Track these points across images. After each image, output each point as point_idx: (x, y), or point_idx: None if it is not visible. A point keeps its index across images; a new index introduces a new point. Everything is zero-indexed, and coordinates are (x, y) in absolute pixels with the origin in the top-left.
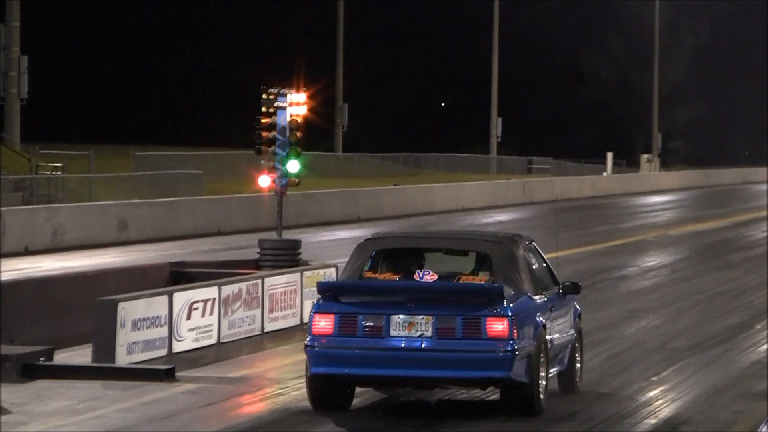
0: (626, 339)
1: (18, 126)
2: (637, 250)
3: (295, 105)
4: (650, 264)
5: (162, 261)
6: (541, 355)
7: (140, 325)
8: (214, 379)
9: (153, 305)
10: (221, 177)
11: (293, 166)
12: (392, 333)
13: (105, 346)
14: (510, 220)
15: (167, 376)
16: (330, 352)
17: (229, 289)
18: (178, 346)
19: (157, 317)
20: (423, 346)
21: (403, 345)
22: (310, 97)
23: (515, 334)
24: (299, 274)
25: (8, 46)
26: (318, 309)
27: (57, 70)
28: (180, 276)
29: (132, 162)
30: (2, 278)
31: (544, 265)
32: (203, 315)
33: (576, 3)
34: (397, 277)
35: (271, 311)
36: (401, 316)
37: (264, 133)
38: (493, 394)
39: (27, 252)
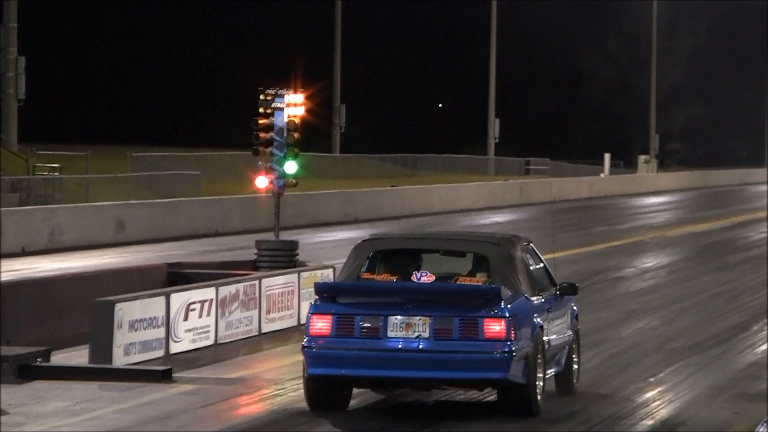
0: (624, 340)
1: (15, 127)
2: (634, 251)
3: (293, 106)
4: (648, 265)
5: (159, 262)
6: (539, 356)
7: (137, 326)
8: (211, 380)
9: (150, 306)
10: (219, 178)
11: (291, 167)
12: (389, 334)
13: (102, 347)
14: (507, 221)
15: (164, 377)
16: (327, 353)
17: (226, 290)
18: (175, 347)
19: (155, 318)
20: (420, 347)
21: (400, 346)
22: (307, 98)
23: (512, 335)
24: (296, 275)
25: (5, 46)
26: (315, 310)
27: (54, 71)
28: (177, 277)
29: (129, 163)
30: (0, 279)
31: (542, 266)
32: (200, 316)
33: (574, 4)
34: (394, 278)
35: (268, 312)
36: (399, 317)
37: (261, 134)
38: (490, 395)
39: (24, 253)
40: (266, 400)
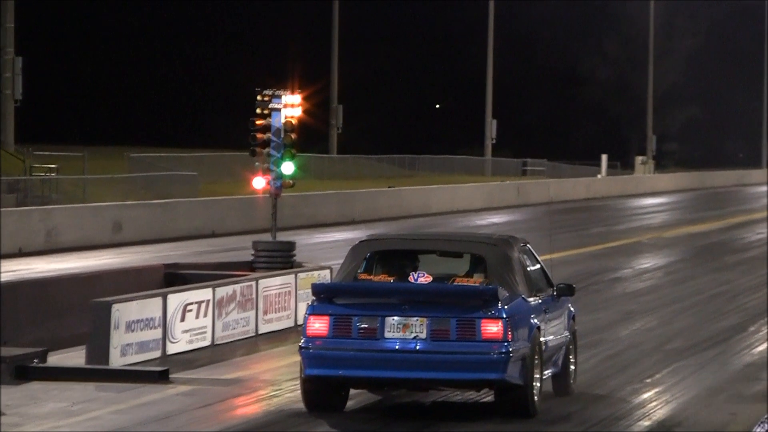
0: (621, 341)
1: (12, 127)
2: (632, 252)
3: (290, 107)
4: (645, 266)
5: (156, 263)
6: (536, 357)
7: (134, 326)
8: (208, 381)
9: (147, 307)
10: (216, 178)
11: (288, 167)
12: (387, 335)
13: (99, 348)
14: (505, 222)
15: (161, 377)
16: (324, 353)
17: (223, 291)
18: (172, 348)
19: (152, 319)
20: (417, 347)
21: (397, 347)
22: (305, 99)
23: (510, 336)
24: (294, 275)
25: (2, 47)
26: (313, 311)
27: (51, 72)
28: (174, 278)
29: (126, 163)
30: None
31: (539, 266)
32: (197, 317)
33: (572, 4)
34: (391, 279)
35: (265, 313)
36: (396, 317)
37: (259, 135)
38: (487, 396)
39: (21, 254)
40: (263, 401)
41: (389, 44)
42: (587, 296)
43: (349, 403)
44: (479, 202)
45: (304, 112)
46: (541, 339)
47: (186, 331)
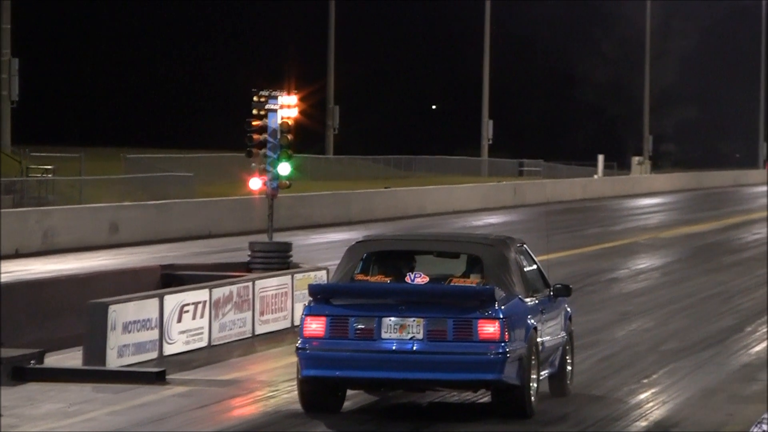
0: (617, 341)
1: (9, 128)
2: (628, 253)
3: (286, 107)
4: (641, 267)
5: (153, 264)
6: (533, 357)
7: (131, 327)
8: (205, 382)
9: (144, 308)
10: (212, 179)
11: (284, 168)
12: (384, 335)
13: (96, 349)
14: (501, 223)
15: (158, 378)
16: (321, 354)
17: (220, 292)
18: (168, 349)
19: (148, 320)
20: (414, 348)
21: (394, 347)
22: (301, 100)
23: (506, 337)
24: (290, 276)
25: None
26: (309, 311)
27: (48, 73)
28: (171, 279)
29: (123, 164)
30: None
31: (535, 267)
32: (194, 318)
33: (568, 5)
34: (388, 280)
35: (262, 314)
36: (392, 318)
37: (255, 136)
38: (484, 397)
39: (17, 255)
40: (260, 402)
41: (386, 45)
42: (584, 297)
43: (346, 404)
44: (476, 202)
45: (301, 112)
46: (538, 339)
47: (183, 332)
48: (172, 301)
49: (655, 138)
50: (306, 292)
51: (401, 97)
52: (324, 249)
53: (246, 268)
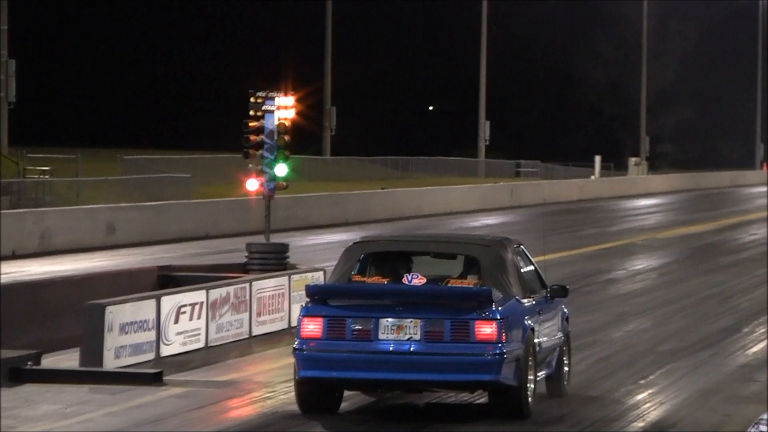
0: (614, 342)
1: (6, 130)
2: (625, 254)
3: (284, 108)
4: (638, 267)
5: (150, 265)
6: (530, 358)
7: (128, 329)
8: (202, 383)
9: (141, 309)
10: (209, 180)
11: (281, 169)
12: (381, 336)
13: (93, 350)
14: (498, 224)
15: (155, 380)
16: (318, 355)
17: (216, 293)
18: (165, 350)
19: (145, 321)
20: (411, 349)
21: (391, 348)
22: (298, 101)
23: (504, 338)
24: (287, 277)
25: None
26: (306, 312)
27: (45, 74)
28: (168, 280)
29: (120, 165)
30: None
31: (532, 268)
32: (191, 319)
33: (566, 6)
34: (385, 281)
35: (259, 315)
36: (390, 319)
37: (252, 137)
38: (481, 398)
39: (14, 256)
40: (257, 403)
41: (383, 46)
42: (581, 298)
43: (343, 405)
44: (473, 203)
45: (298, 113)
46: (535, 340)
47: (180, 333)
48: (169, 302)
49: (653, 139)
50: (303, 293)
51: (398, 98)
52: (321, 250)
53: (243, 269)
